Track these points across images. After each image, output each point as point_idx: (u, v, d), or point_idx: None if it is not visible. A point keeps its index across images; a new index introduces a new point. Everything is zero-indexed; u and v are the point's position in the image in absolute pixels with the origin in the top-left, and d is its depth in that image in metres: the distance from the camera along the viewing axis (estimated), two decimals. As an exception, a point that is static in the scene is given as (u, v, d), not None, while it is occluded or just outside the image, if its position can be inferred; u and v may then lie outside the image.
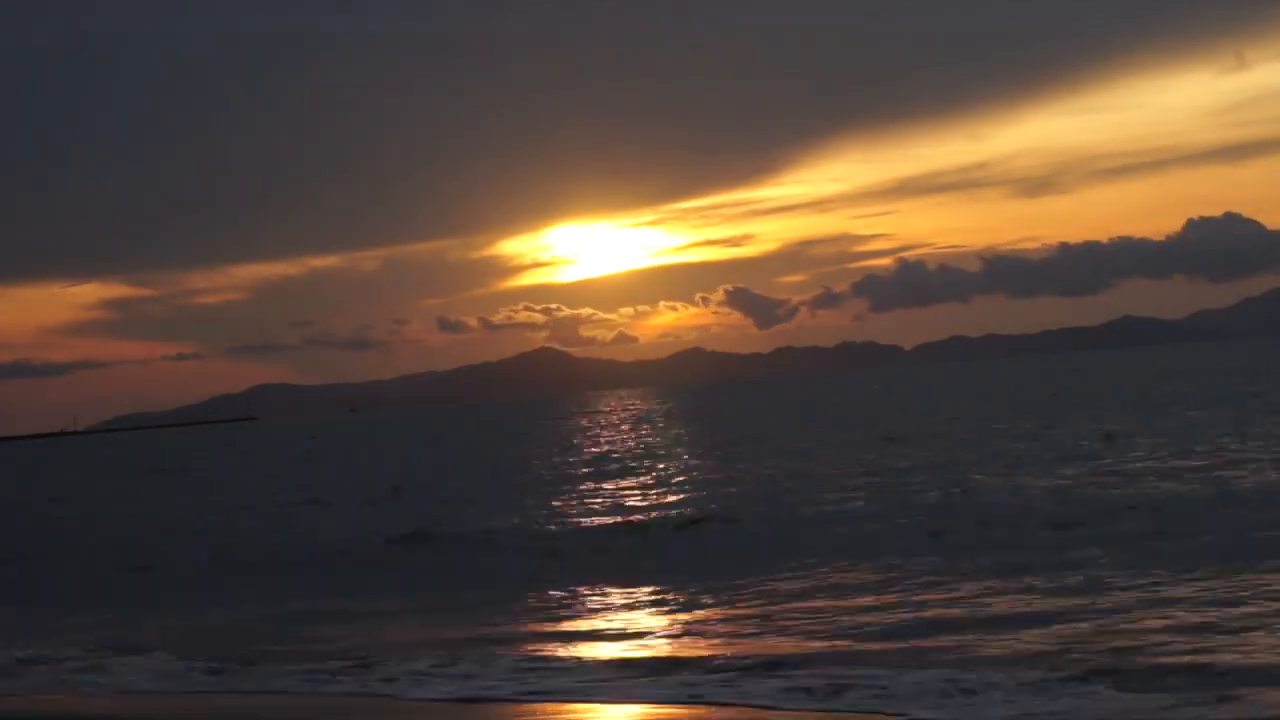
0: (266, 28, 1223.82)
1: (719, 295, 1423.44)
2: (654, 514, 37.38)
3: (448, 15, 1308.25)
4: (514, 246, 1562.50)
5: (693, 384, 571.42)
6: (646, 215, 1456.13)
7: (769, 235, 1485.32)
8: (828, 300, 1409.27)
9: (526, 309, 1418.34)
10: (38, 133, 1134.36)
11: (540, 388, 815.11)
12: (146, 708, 16.82)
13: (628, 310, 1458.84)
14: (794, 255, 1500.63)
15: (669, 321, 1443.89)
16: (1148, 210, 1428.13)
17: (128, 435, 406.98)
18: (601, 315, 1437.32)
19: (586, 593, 24.34)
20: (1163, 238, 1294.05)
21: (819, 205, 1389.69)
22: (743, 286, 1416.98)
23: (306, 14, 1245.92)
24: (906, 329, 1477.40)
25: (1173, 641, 16.13)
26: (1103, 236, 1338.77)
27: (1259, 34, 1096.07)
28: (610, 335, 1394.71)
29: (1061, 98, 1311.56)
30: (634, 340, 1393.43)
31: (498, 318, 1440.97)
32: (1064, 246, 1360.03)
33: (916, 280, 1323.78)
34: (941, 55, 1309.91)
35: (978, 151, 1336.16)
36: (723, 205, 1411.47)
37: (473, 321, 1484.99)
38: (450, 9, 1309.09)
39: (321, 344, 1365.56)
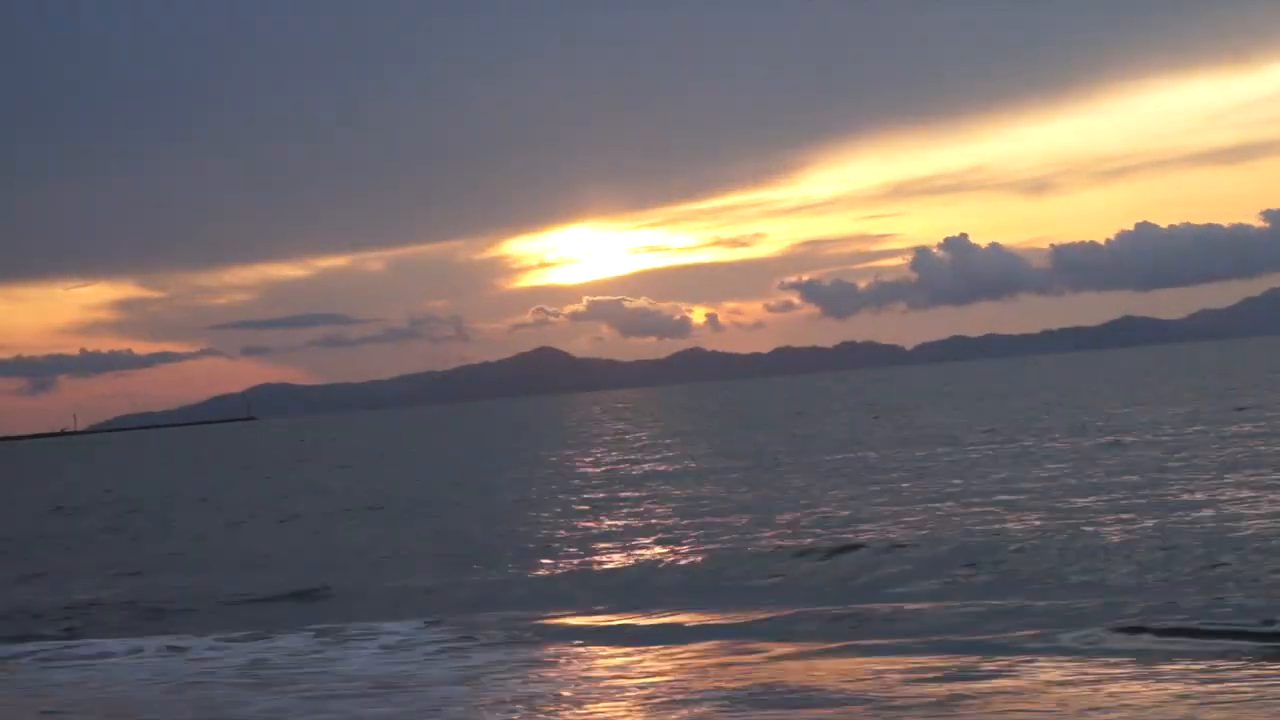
0: (271, 29, 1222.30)
1: (783, 288, 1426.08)
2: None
3: (451, 17, 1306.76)
4: (518, 248, 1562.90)
5: (696, 384, 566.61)
6: (653, 217, 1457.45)
7: (778, 236, 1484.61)
8: (880, 294, 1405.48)
9: (529, 310, 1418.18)
10: (43, 132, 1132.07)
11: (540, 388, 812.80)
12: None
13: (630, 311, 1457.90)
14: (803, 256, 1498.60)
15: (670, 322, 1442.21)
16: (1149, 210, 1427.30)
17: (129, 435, 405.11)
18: (604, 316, 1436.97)
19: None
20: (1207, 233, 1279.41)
21: (828, 206, 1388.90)
22: (812, 279, 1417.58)
23: (310, 15, 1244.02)
24: (905, 329, 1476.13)
25: None
26: (1113, 235, 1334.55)
27: (1262, 35, 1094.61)
28: (613, 336, 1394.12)
29: (1067, 100, 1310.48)
30: (636, 341, 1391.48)
31: (500, 318, 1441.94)
32: (1066, 247, 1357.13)
33: (967, 271, 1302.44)
34: (949, 56, 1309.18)
35: (982, 153, 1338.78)
36: (729, 208, 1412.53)
37: (475, 322, 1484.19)
38: (456, 10, 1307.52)
39: (323, 344, 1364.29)
